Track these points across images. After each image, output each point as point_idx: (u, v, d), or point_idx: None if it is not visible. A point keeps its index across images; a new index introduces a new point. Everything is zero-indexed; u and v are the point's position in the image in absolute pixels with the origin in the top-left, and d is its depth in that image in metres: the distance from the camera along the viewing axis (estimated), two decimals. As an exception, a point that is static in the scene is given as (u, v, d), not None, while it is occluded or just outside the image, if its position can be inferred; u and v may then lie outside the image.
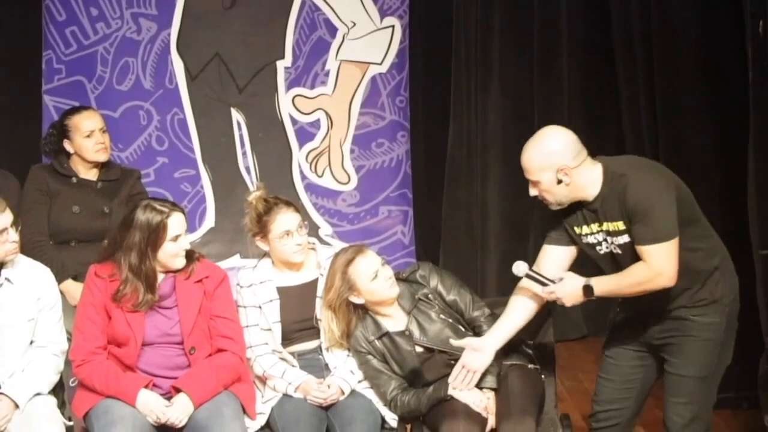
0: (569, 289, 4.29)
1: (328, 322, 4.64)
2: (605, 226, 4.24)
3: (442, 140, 7.02)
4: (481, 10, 6.90)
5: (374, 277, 4.60)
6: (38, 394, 4.44)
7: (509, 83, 7.00)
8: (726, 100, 5.57)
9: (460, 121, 6.95)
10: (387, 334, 4.62)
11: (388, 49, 7.16)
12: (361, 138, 7.18)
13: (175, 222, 4.46)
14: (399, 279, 4.71)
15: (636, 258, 4.19)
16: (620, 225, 4.19)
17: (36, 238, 5.28)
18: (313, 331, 4.74)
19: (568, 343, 6.84)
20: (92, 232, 5.34)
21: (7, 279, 4.42)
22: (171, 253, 4.47)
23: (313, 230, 7.04)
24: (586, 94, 7.01)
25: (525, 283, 4.45)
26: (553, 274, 4.35)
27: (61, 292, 4.89)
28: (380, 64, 7.16)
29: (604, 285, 4.25)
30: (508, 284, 4.64)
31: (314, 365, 4.71)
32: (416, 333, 4.61)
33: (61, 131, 5.48)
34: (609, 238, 4.25)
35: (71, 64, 6.90)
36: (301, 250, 4.71)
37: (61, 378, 4.63)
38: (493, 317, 4.62)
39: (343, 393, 4.59)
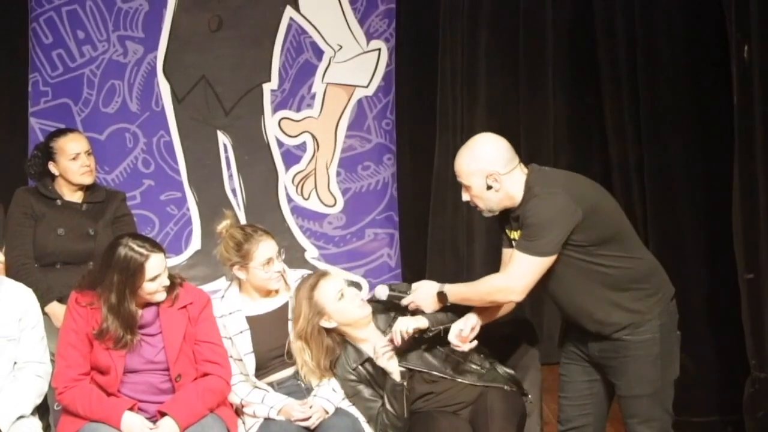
0: (424, 296, 4.52)
1: (300, 354, 4.63)
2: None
3: (428, 163, 7.01)
4: (467, 32, 6.91)
5: (340, 297, 4.62)
6: (21, 417, 4.42)
7: (495, 104, 7.00)
8: (712, 123, 5.59)
9: (446, 142, 6.94)
10: (368, 359, 4.62)
11: (375, 72, 7.15)
12: (348, 161, 7.17)
13: (154, 264, 4.44)
14: (371, 301, 4.73)
15: (565, 273, 4.27)
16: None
17: (21, 260, 5.27)
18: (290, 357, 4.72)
19: (553, 366, 6.82)
20: (77, 255, 5.32)
21: (-12, 300, 4.42)
22: (150, 291, 4.47)
23: (300, 253, 7.04)
24: (572, 115, 7.01)
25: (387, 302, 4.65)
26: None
27: (47, 314, 4.89)
28: (366, 87, 7.16)
29: (456, 291, 4.46)
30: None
31: (296, 391, 4.70)
32: None
33: (46, 153, 5.47)
34: None
35: (58, 86, 6.88)
36: (279, 276, 4.73)
37: (46, 401, 4.62)
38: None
39: (326, 412, 4.58)
